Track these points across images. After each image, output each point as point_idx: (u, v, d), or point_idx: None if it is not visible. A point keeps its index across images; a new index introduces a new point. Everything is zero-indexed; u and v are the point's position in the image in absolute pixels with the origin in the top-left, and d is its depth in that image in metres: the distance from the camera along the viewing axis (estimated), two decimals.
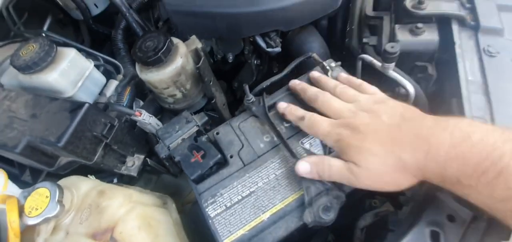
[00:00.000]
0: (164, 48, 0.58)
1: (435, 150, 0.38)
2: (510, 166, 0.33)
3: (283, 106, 0.56)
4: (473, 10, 0.62)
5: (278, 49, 0.83)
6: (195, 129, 0.57)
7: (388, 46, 0.56)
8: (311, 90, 0.55)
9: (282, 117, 0.57)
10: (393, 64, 0.58)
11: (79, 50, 0.70)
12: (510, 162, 0.33)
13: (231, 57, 0.94)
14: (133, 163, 0.62)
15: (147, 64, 0.59)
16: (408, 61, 0.63)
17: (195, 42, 0.67)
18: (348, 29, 0.82)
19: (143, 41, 0.60)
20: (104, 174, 0.61)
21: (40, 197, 0.45)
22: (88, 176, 0.56)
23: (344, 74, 0.59)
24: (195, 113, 0.64)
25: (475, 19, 0.60)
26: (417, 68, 0.64)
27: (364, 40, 0.71)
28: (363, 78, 0.67)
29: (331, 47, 0.89)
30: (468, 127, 0.38)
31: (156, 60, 0.58)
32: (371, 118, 0.45)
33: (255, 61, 0.94)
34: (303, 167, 0.47)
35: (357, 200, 0.61)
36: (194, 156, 0.53)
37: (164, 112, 0.73)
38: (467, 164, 0.35)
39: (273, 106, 0.59)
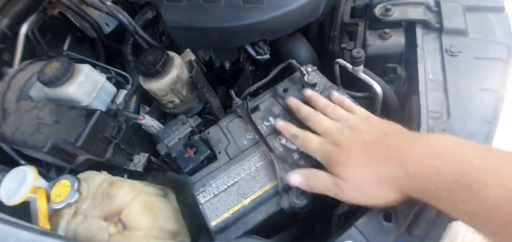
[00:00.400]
0: (161, 61, 0.68)
1: (412, 164, 0.39)
2: (486, 183, 0.33)
3: (280, 124, 0.59)
4: (438, 14, 0.67)
5: (267, 56, 0.92)
6: (189, 129, 0.66)
7: (354, 52, 0.63)
8: (304, 111, 0.58)
9: (263, 117, 0.65)
10: (361, 67, 0.65)
11: (94, 65, 0.81)
12: (487, 179, 0.33)
13: (228, 65, 1.03)
14: (139, 160, 0.72)
15: (148, 75, 0.69)
16: (379, 63, 0.70)
17: (189, 55, 0.76)
18: (332, 35, 0.89)
19: (144, 56, 0.70)
20: (115, 170, 0.72)
21: (63, 187, 0.55)
22: (101, 171, 0.66)
23: (336, 94, 0.61)
24: (192, 116, 0.74)
25: (440, 22, 0.66)
26: (389, 69, 0.70)
27: (343, 45, 0.78)
28: (343, 80, 0.74)
29: (321, 52, 0.97)
30: (445, 142, 0.39)
31: (155, 72, 0.68)
32: (354, 135, 0.48)
33: (250, 68, 1.03)
34: (294, 178, 0.50)
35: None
36: (187, 152, 0.62)
37: (166, 116, 0.84)
38: (444, 179, 0.36)
39: (256, 108, 0.67)
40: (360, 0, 0.78)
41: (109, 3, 0.91)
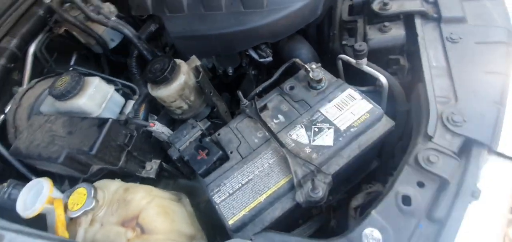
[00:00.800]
0: (169, 68, 0.70)
1: None
2: None
3: None
4: (435, 4, 0.69)
5: (270, 58, 0.94)
6: (199, 132, 0.67)
7: (356, 45, 0.64)
8: None
9: (272, 115, 0.66)
10: (364, 60, 0.66)
11: (102, 77, 0.83)
12: None
13: (230, 71, 1.05)
14: (151, 167, 0.72)
15: (156, 83, 0.71)
16: (382, 56, 0.71)
17: (195, 61, 0.78)
18: (331, 34, 0.91)
19: (152, 65, 0.72)
20: (129, 178, 0.72)
21: (79, 195, 0.56)
22: (115, 179, 0.67)
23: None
24: (201, 120, 0.75)
25: (437, 12, 0.68)
26: (392, 61, 0.71)
27: (343, 42, 0.80)
28: (346, 77, 0.75)
29: (320, 52, 0.99)
30: None
31: (163, 78, 0.70)
32: None
33: (252, 72, 1.05)
34: None
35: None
36: (200, 154, 0.63)
37: (175, 123, 0.85)
38: None
39: (264, 107, 0.68)
40: None
41: (113, 18, 0.94)
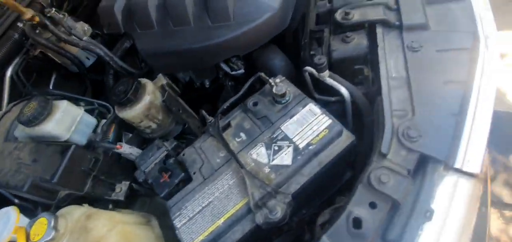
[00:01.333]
0: (132, 89, 0.69)
1: None
2: None
3: None
4: (398, 11, 0.68)
5: (242, 71, 0.93)
6: (165, 153, 0.67)
7: (316, 59, 0.63)
8: None
9: (234, 133, 0.65)
10: (326, 72, 0.65)
11: (76, 99, 0.83)
12: None
13: (207, 83, 1.05)
14: (121, 189, 0.73)
15: (121, 104, 0.71)
16: (347, 66, 0.70)
17: (161, 80, 0.78)
18: (303, 43, 0.90)
19: (117, 86, 0.72)
20: (99, 203, 0.73)
21: (41, 225, 0.56)
22: (83, 205, 0.67)
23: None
24: (168, 140, 0.75)
25: (399, 19, 0.66)
26: (357, 71, 0.70)
27: (312, 52, 0.79)
28: (318, 86, 0.74)
29: (299, 60, 0.97)
30: None
31: (127, 100, 0.70)
32: None
33: (229, 83, 1.05)
34: None
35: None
36: (163, 177, 0.63)
37: (148, 142, 0.85)
38: None
39: (228, 125, 0.68)
40: (322, 7, 0.79)
41: (85, 38, 0.94)
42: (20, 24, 0.96)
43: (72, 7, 1.19)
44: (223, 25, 0.81)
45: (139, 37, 0.91)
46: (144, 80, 0.75)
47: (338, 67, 0.69)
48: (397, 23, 0.66)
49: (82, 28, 1.02)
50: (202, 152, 0.66)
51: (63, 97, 0.88)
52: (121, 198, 0.72)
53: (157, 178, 0.63)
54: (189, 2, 0.84)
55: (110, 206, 0.75)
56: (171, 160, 0.66)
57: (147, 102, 0.72)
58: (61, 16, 0.97)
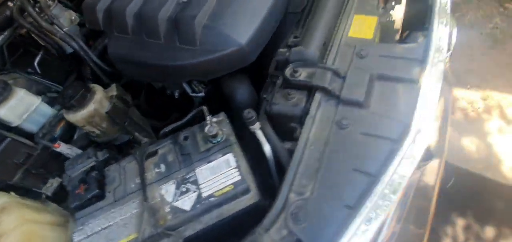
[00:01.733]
0: (78, 96, 0.73)
1: None
2: None
3: None
4: (344, 81, 0.67)
5: (202, 94, 0.95)
6: (92, 164, 0.70)
7: (245, 112, 0.64)
8: None
9: (157, 163, 0.67)
10: (256, 125, 0.65)
11: (47, 84, 0.88)
12: None
13: (176, 94, 1.07)
14: (51, 184, 0.76)
15: (66, 108, 0.74)
16: (284, 122, 0.69)
17: (113, 90, 0.81)
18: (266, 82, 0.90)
19: (66, 89, 0.76)
20: (31, 193, 0.77)
21: None
22: (10, 192, 0.72)
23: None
24: (117, 146, 0.78)
25: (341, 90, 0.65)
26: (291, 129, 0.69)
27: (264, 95, 0.79)
28: None
29: None
30: None
31: (70, 106, 0.73)
32: None
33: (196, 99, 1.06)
34: None
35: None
36: (80, 188, 0.66)
37: (93, 143, 0.88)
38: None
39: (155, 152, 0.69)
40: (281, 55, 0.79)
41: (65, 29, 0.99)
42: (10, 4, 1.03)
43: None
44: (189, 48, 0.83)
45: (113, 40, 0.95)
46: (95, 87, 0.79)
47: (276, 120, 0.69)
48: (337, 94, 0.64)
49: (69, 17, 1.07)
50: (123, 172, 0.68)
51: (35, 81, 0.93)
52: (49, 193, 0.75)
53: (75, 188, 0.66)
54: (162, 18, 0.86)
55: (43, 196, 0.79)
56: (94, 173, 0.68)
57: (91, 111, 0.75)
58: (50, 2, 1.03)
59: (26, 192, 0.75)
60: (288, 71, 0.70)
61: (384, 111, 0.62)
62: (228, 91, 0.95)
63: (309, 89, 0.68)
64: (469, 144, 2.08)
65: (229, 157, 0.63)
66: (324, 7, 0.86)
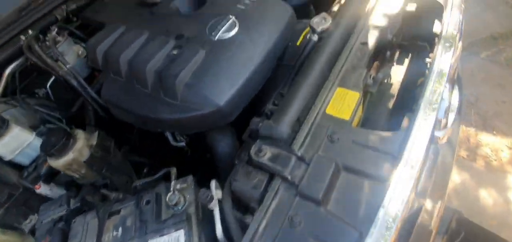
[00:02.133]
0: (58, 146, 0.78)
1: None
2: None
3: None
4: (307, 168, 0.64)
5: (182, 144, 0.96)
6: (62, 213, 0.74)
7: (201, 192, 0.64)
8: None
9: (117, 225, 0.69)
10: (212, 203, 0.64)
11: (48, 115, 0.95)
12: None
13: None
14: (30, 221, 0.82)
15: (47, 155, 0.80)
16: (243, 201, 0.69)
17: (94, 138, 0.85)
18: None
19: (50, 135, 0.81)
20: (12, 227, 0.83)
21: None
22: None
23: None
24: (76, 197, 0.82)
25: (301, 180, 0.63)
26: (251, 210, 0.68)
27: (235, 161, 0.78)
28: None
29: None
30: None
31: (51, 154, 0.78)
32: None
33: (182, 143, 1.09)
34: None
35: None
36: (45, 238, 0.70)
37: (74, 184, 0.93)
38: None
39: (118, 211, 0.72)
40: (254, 124, 0.78)
41: (68, 66, 1.06)
42: (22, 37, 1.13)
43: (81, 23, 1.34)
44: (171, 103, 0.85)
45: (109, 82, 1.00)
46: (78, 135, 0.83)
47: (236, 198, 0.69)
48: (297, 183, 0.62)
49: (77, 51, 1.15)
50: (86, 228, 0.71)
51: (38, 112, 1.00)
52: (27, 230, 0.81)
53: (42, 237, 0.70)
54: (150, 70, 0.90)
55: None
56: (61, 224, 0.72)
57: (70, 159, 0.80)
58: (59, 39, 1.11)
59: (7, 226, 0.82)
60: (253, 150, 0.69)
61: (342, 213, 0.59)
62: (210, 142, 0.96)
63: (271, 173, 0.66)
64: (487, 196, 1.90)
65: (180, 234, 0.63)
66: (309, 74, 0.84)
